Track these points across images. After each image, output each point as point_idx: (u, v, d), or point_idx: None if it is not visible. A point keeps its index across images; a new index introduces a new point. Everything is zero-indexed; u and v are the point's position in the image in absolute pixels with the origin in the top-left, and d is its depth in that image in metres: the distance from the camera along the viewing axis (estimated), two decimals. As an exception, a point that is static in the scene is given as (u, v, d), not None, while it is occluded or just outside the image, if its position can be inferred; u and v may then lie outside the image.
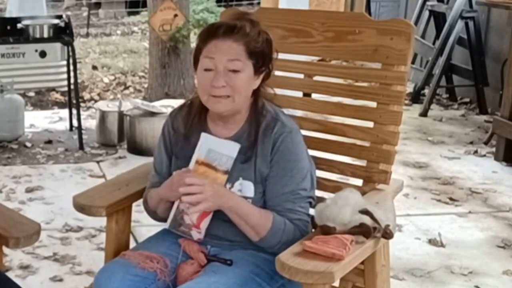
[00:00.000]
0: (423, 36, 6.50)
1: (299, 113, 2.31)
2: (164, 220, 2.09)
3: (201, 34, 2.01)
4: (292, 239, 1.92)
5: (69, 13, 10.40)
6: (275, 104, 2.10)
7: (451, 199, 4.14)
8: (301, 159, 2.02)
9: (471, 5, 6.11)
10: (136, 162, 4.15)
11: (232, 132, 2.05)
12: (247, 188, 2.00)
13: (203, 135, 2.00)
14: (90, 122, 5.48)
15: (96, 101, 6.29)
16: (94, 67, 7.66)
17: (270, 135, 2.00)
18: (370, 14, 7.88)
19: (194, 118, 2.08)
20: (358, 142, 2.25)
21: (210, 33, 1.98)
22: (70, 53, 5.02)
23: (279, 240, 1.95)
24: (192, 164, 1.99)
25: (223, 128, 2.05)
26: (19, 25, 4.96)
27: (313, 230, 2.03)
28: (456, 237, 3.64)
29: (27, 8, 6.39)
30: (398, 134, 2.19)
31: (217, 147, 1.97)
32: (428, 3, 6.58)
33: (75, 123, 5.22)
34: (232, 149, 1.97)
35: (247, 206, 1.97)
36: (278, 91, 2.15)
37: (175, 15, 5.96)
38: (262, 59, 1.99)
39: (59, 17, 5.30)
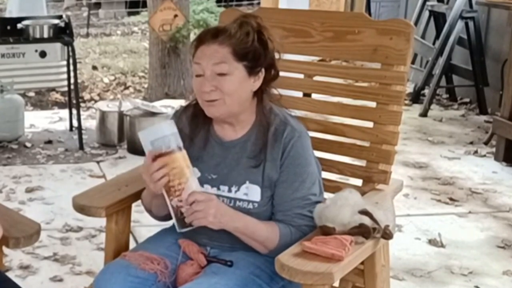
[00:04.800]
0: (423, 36, 6.50)
1: (299, 113, 2.31)
2: (163, 219, 2.08)
3: (192, 42, 2.03)
4: None
5: (69, 13, 10.39)
6: (282, 106, 2.09)
7: (451, 199, 4.14)
8: (311, 164, 2.02)
9: (471, 5, 6.11)
10: (136, 162, 4.11)
11: (239, 134, 2.04)
12: (254, 192, 1.98)
13: (139, 134, 1.96)
14: (90, 122, 5.48)
15: (96, 101, 6.29)
16: (94, 67, 7.66)
17: (280, 139, 1.99)
18: (370, 14, 7.87)
19: (199, 119, 2.08)
20: (358, 142, 2.24)
21: (198, 40, 2.00)
22: (70, 53, 5.01)
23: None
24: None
25: (229, 131, 2.04)
26: (19, 25, 4.96)
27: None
28: (456, 237, 3.64)
29: (27, 8, 6.38)
30: (397, 134, 2.19)
31: (155, 135, 1.93)
32: (428, 3, 6.57)
33: (75, 123, 5.21)
34: (168, 126, 1.93)
35: (253, 223, 1.95)
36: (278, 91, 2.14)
37: (175, 15, 5.96)
38: (254, 60, 1.97)
39: (59, 17, 5.30)
